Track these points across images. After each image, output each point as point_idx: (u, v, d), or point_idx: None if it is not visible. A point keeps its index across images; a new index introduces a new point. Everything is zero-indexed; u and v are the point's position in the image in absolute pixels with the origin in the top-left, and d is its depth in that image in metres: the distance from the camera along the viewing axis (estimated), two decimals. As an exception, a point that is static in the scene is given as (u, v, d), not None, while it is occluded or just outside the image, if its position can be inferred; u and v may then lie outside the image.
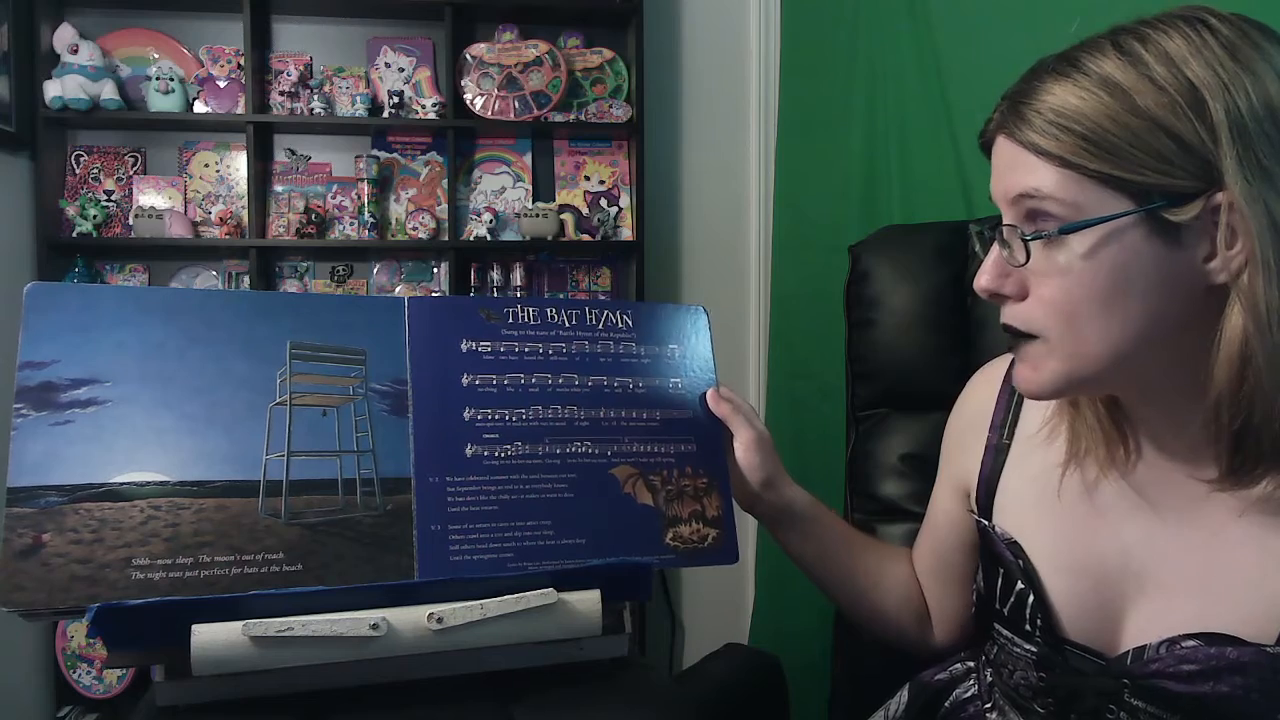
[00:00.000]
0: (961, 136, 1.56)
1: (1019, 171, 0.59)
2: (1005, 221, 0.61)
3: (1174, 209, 0.55)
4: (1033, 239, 0.58)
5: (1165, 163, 0.54)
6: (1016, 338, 0.63)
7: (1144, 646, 0.64)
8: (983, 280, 0.63)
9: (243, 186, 2.20)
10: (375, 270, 2.29)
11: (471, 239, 2.22)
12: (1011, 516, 0.74)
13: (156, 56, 2.17)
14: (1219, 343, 0.56)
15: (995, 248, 0.62)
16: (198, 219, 2.19)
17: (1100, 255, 0.56)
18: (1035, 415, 0.75)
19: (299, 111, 2.15)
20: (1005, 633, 0.73)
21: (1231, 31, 0.56)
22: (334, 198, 2.25)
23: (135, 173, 2.19)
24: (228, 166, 2.23)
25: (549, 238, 2.21)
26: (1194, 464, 0.64)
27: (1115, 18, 0.60)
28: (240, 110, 2.13)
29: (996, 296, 0.63)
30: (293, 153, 2.25)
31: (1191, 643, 0.61)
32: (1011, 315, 0.62)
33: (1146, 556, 0.66)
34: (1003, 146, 0.61)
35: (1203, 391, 0.58)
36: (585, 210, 2.31)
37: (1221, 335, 0.56)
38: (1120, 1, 0.66)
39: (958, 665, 0.84)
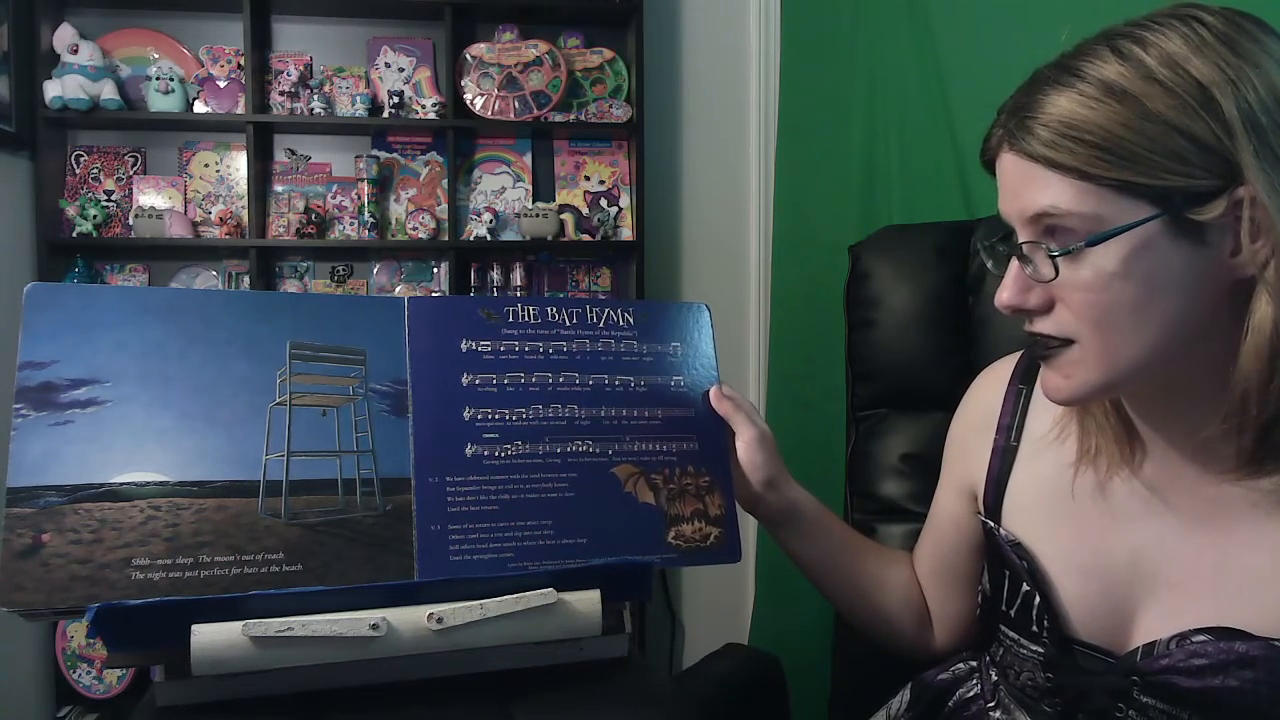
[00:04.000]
0: (961, 136, 1.56)
1: (1033, 188, 0.58)
2: (1023, 239, 0.60)
3: (1197, 209, 0.55)
4: (1061, 255, 0.58)
5: (1184, 164, 0.54)
6: (1047, 346, 0.62)
7: (1154, 642, 0.64)
8: (1004, 296, 0.62)
9: (243, 186, 2.20)
10: (375, 270, 2.29)
11: (471, 239, 2.22)
12: (1020, 518, 0.74)
13: (156, 56, 2.17)
14: (1247, 334, 0.56)
15: (1014, 263, 0.61)
16: (198, 219, 2.18)
17: (1128, 263, 0.56)
18: (1044, 416, 0.74)
19: (299, 111, 2.15)
20: (1011, 634, 0.73)
21: (1226, 26, 0.56)
22: (334, 198, 2.25)
23: (135, 173, 2.19)
24: (228, 166, 2.23)
25: (549, 238, 2.21)
26: (1207, 460, 0.64)
27: (1111, 17, 0.60)
28: (240, 110, 2.13)
29: (1020, 311, 0.62)
30: (293, 153, 2.25)
31: (1201, 637, 0.61)
32: (1042, 325, 0.62)
33: (1158, 557, 0.66)
34: (1010, 162, 0.60)
35: (1221, 391, 0.58)
36: (585, 210, 2.31)
37: (1250, 327, 0.56)
38: (1115, 1, 0.66)
39: (960, 665, 0.84)
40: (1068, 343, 0.61)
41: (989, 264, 0.67)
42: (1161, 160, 0.54)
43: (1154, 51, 0.55)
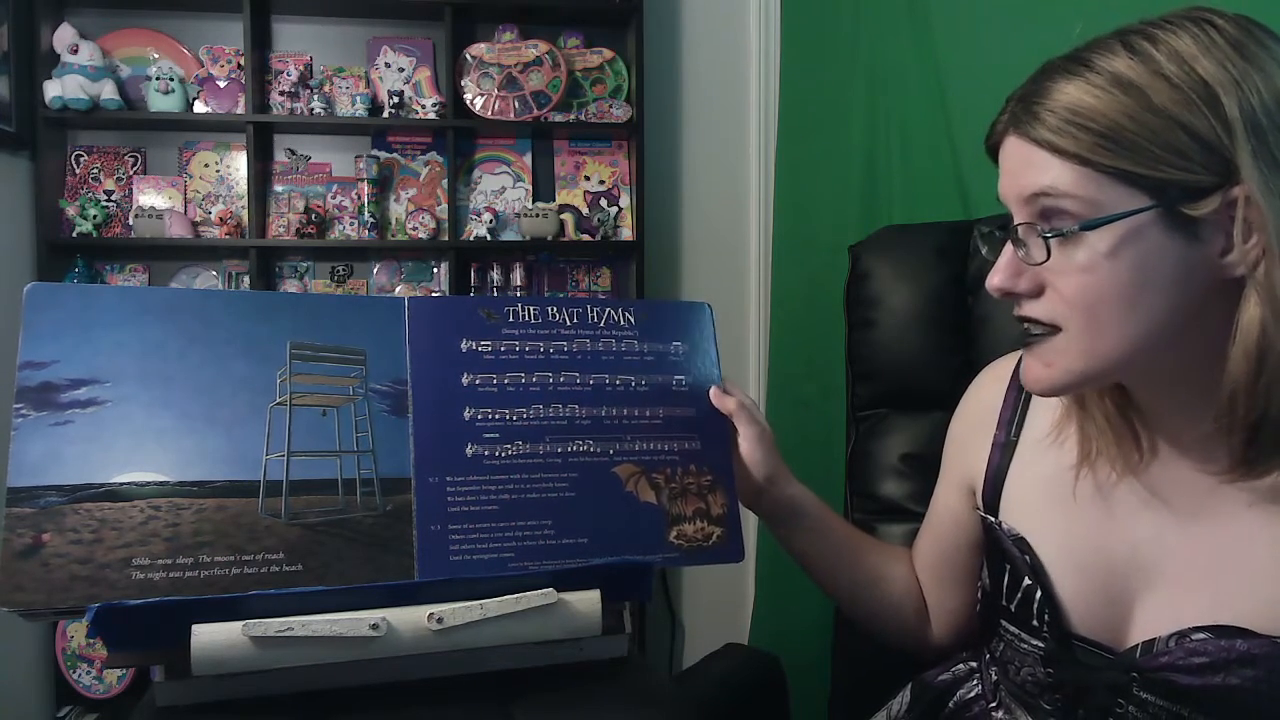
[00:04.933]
0: (961, 137, 1.56)
1: (1034, 170, 0.59)
2: (1019, 220, 0.61)
3: (1191, 203, 0.55)
4: (1053, 236, 0.58)
5: (1183, 158, 0.55)
6: (1033, 334, 0.63)
7: (1153, 639, 0.64)
8: (996, 279, 0.63)
9: (243, 186, 2.20)
10: (375, 270, 2.29)
11: (471, 239, 2.22)
12: (1019, 513, 0.74)
13: (156, 56, 2.17)
14: (1236, 335, 0.56)
15: (1008, 246, 0.62)
16: (198, 219, 2.18)
17: (1119, 251, 0.57)
18: (1043, 417, 0.75)
19: (299, 111, 2.15)
20: (1012, 629, 0.73)
21: (1237, 30, 0.57)
22: (334, 198, 2.25)
23: (135, 173, 2.19)
24: (228, 166, 2.23)
25: (549, 238, 2.21)
26: (1205, 458, 0.64)
27: (1115, 20, 0.61)
28: (240, 110, 2.13)
29: (1010, 295, 0.63)
30: (293, 153, 2.25)
31: (1201, 635, 0.62)
32: (1031, 309, 0.62)
33: (1156, 552, 0.66)
34: (1014, 146, 0.61)
35: (1217, 385, 0.58)
36: (585, 210, 2.31)
37: (1238, 327, 0.56)
38: (1119, 3, 0.66)
39: (960, 666, 0.84)
40: (1054, 331, 0.61)
41: (983, 249, 0.68)
42: (1161, 153, 0.55)
43: (1164, 48, 0.56)
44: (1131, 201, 0.56)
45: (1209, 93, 0.55)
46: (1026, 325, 0.63)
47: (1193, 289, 0.57)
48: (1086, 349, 0.60)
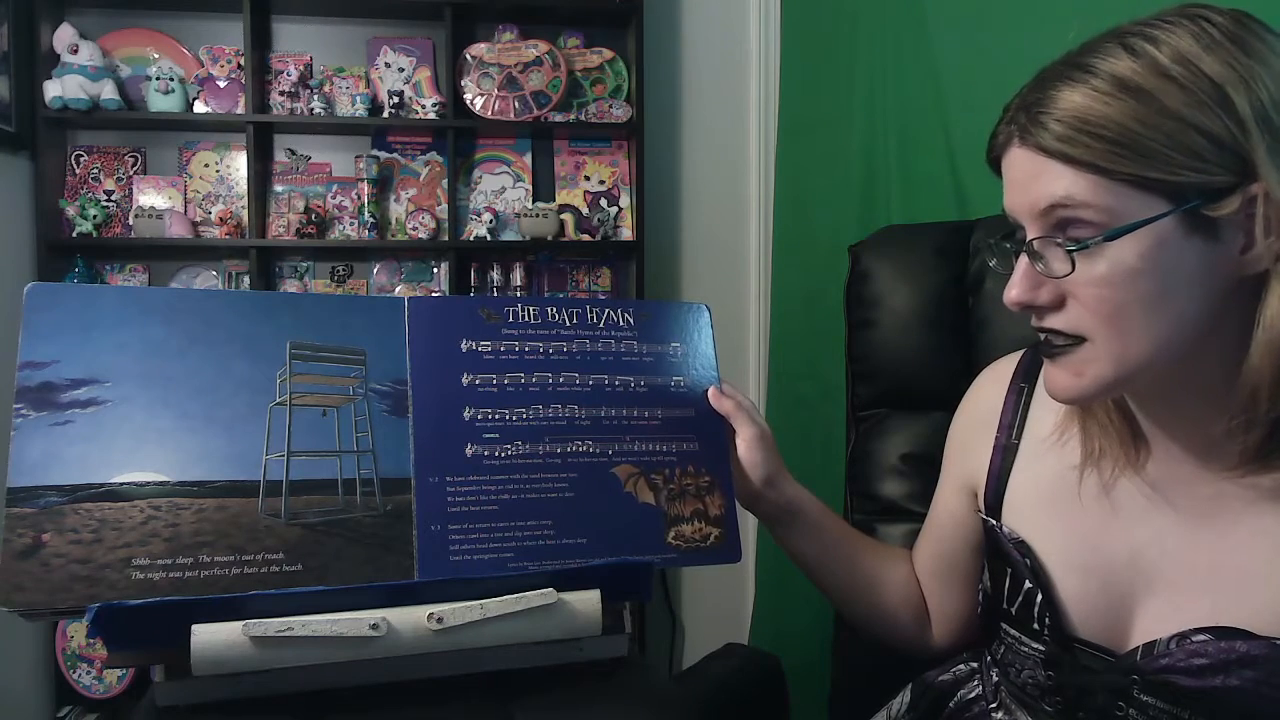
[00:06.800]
0: (961, 137, 1.56)
1: (1045, 180, 0.58)
2: (1034, 234, 0.60)
3: (1212, 205, 0.55)
4: (1077, 249, 0.57)
5: (1199, 160, 0.54)
6: (1057, 345, 0.61)
7: (1154, 642, 0.64)
8: (1014, 293, 0.61)
9: (243, 186, 2.20)
10: (375, 270, 2.29)
11: (471, 239, 2.22)
12: (1020, 516, 0.74)
13: (156, 56, 2.17)
14: (1258, 329, 0.56)
15: (1023, 259, 0.61)
16: (198, 219, 2.18)
17: (1142, 258, 0.56)
18: (1045, 417, 0.74)
19: (299, 111, 2.15)
20: (1013, 632, 0.73)
21: (1233, 25, 0.56)
22: (334, 198, 2.25)
23: (135, 173, 2.19)
24: (228, 166, 2.23)
25: (549, 238, 2.21)
26: (1210, 458, 0.64)
27: (1110, 20, 0.60)
28: (240, 110, 2.13)
29: (1030, 308, 0.62)
30: (293, 153, 2.25)
31: (1202, 637, 0.61)
32: (1053, 321, 0.61)
33: (1157, 555, 0.66)
34: (1021, 157, 0.60)
35: (1228, 387, 0.58)
36: (585, 210, 2.31)
37: (1261, 322, 0.56)
38: (1114, 4, 0.66)
39: (961, 666, 0.84)
40: (1079, 341, 0.60)
41: (992, 262, 0.67)
42: (1178, 156, 0.54)
43: (1165, 49, 0.55)
44: (1150, 208, 0.55)
45: (1219, 92, 0.54)
46: (1048, 337, 0.62)
47: (1215, 288, 0.57)
48: (1117, 356, 0.59)
